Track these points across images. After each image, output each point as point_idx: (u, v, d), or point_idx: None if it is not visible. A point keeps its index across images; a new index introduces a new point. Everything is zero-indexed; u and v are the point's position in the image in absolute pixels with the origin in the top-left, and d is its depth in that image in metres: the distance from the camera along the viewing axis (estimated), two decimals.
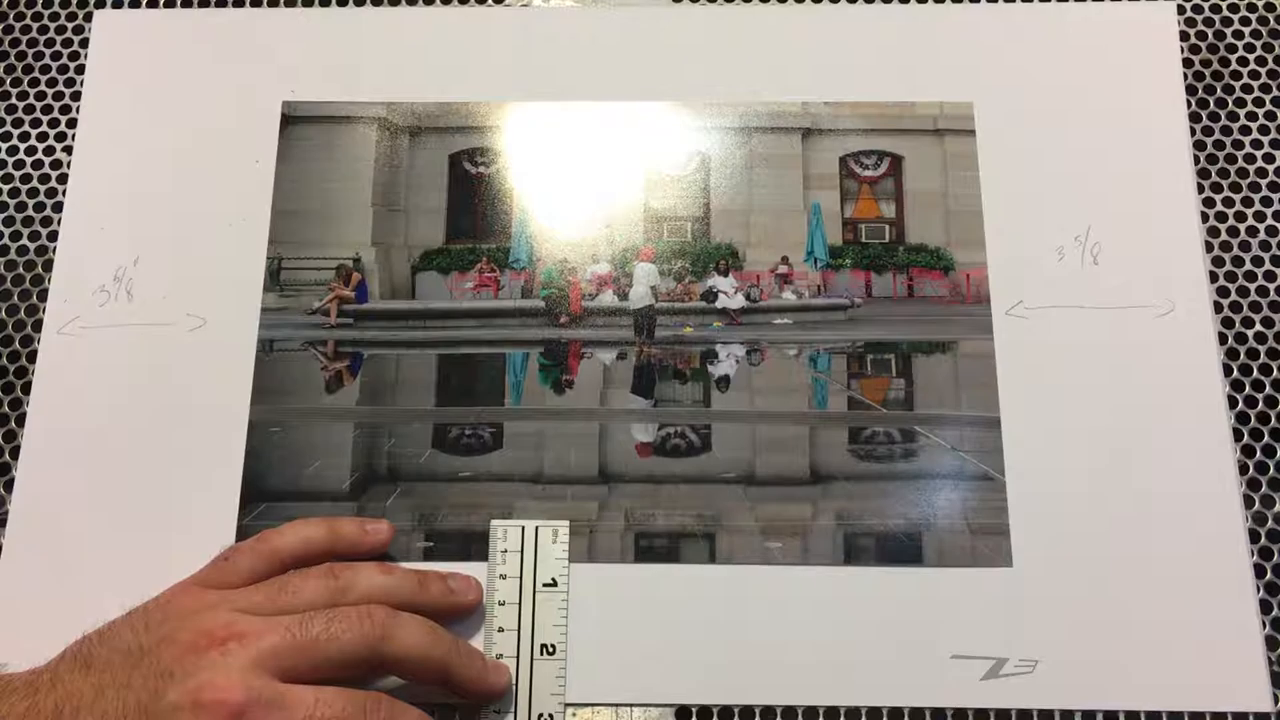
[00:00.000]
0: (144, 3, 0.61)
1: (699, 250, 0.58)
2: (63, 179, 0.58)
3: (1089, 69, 0.59)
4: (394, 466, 0.54)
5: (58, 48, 0.60)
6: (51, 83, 0.60)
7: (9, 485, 0.53)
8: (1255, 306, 0.56)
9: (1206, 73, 0.60)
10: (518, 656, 0.50)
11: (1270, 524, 0.53)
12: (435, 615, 0.47)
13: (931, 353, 0.56)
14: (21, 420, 0.54)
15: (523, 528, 0.52)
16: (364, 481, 0.54)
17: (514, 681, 0.49)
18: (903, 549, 0.52)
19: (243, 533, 0.52)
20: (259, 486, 0.53)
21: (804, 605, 0.51)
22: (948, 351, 0.56)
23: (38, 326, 0.56)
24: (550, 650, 0.50)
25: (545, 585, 0.51)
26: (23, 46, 0.60)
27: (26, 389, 0.55)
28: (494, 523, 0.52)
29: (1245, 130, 0.59)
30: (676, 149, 0.59)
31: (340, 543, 0.49)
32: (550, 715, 0.49)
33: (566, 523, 0.52)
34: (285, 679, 0.42)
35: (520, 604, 0.50)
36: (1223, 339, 0.55)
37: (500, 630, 0.50)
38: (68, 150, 0.59)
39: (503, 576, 0.51)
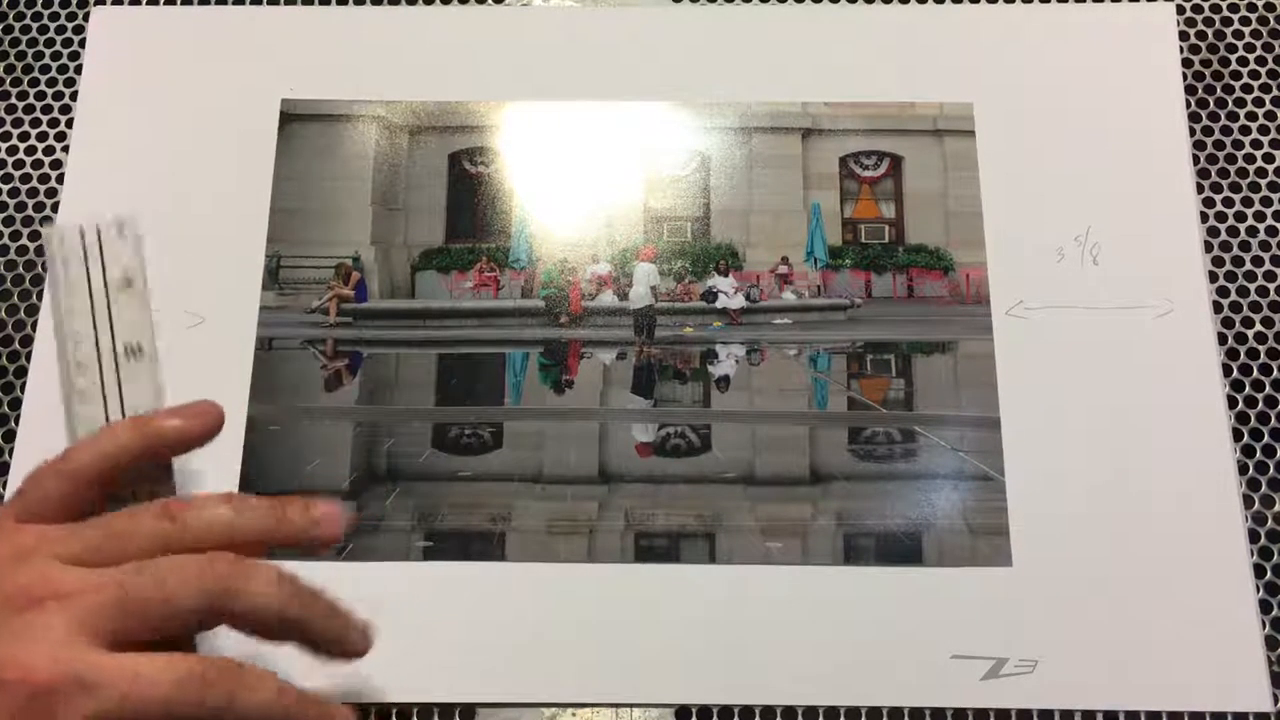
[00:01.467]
0: (142, 0, 0.61)
1: (699, 250, 0.58)
2: (61, 178, 0.58)
3: (1089, 69, 0.59)
4: (393, 466, 0.54)
5: (56, 46, 0.60)
6: (51, 81, 0.60)
7: (9, 485, 0.53)
8: (1255, 306, 0.56)
9: (1206, 73, 0.60)
10: (99, 364, 0.44)
11: (1270, 524, 0.53)
12: (294, 549, 0.41)
13: (931, 353, 0.56)
14: (21, 420, 0.54)
15: (80, 228, 0.45)
16: (363, 481, 0.53)
17: (102, 393, 0.44)
18: (902, 549, 0.52)
19: None
20: (258, 485, 0.53)
21: (804, 605, 0.51)
22: (947, 352, 0.56)
23: (37, 326, 0.56)
24: (137, 351, 0.44)
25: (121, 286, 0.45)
26: (21, 45, 0.60)
27: (26, 388, 0.55)
28: (46, 230, 0.45)
29: (1245, 130, 0.59)
30: (676, 149, 0.59)
31: (153, 444, 0.42)
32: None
33: (133, 216, 0.46)
34: (112, 643, 0.36)
35: (94, 309, 0.44)
36: (1222, 339, 0.55)
37: (79, 344, 0.44)
38: (66, 149, 0.58)
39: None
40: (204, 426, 0.43)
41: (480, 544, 0.52)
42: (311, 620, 0.39)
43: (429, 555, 0.52)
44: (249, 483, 0.53)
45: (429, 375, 0.56)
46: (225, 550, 0.39)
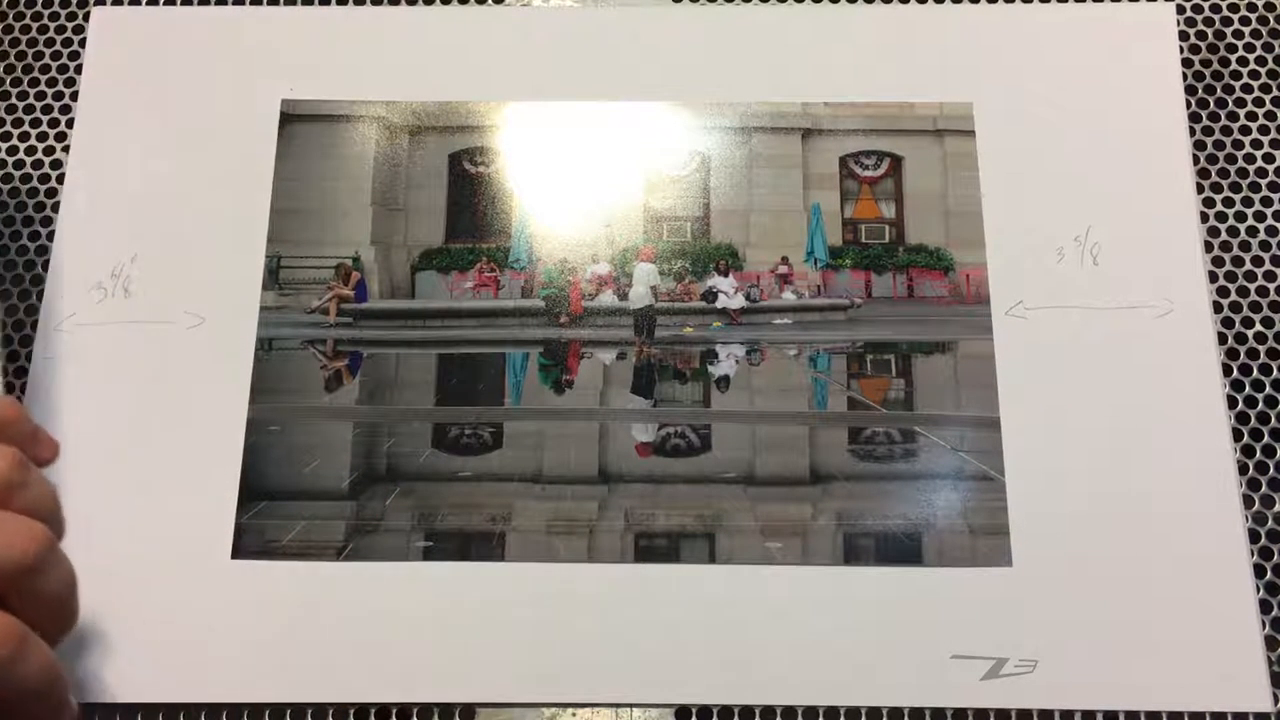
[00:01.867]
0: (143, 0, 0.61)
1: (699, 250, 0.58)
2: (61, 178, 0.58)
3: (1089, 69, 0.59)
4: (393, 466, 0.54)
5: (56, 46, 0.60)
6: (50, 81, 0.60)
7: None
8: (1255, 306, 0.56)
9: (1206, 73, 0.60)
10: None
11: (1270, 524, 0.53)
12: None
13: (931, 353, 0.56)
14: None
15: None
16: (363, 481, 0.53)
17: None
18: (902, 549, 0.52)
19: (241, 532, 0.52)
20: (258, 485, 0.53)
21: (804, 605, 0.51)
22: (947, 352, 0.56)
23: (36, 325, 0.56)
24: None
25: None
26: (21, 45, 0.60)
27: (25, 388, 0.55)
28: None
29: (1245, 130, 0.59)
30: (676, 149, 0.59)
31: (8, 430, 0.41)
32: None
33: None
34: None
35: None
36: (1222, 339, 0.55)
37: None
38: (66, 149, 0.58)
39: None
40: (44, 457, 0.42)
41: (480, 544, 0.52)
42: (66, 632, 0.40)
43: (429, 555, 0.52)
44: (249, 483, 0.53)
45: (429, 375, 0.56)
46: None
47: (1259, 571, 0.52)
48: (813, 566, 0.52)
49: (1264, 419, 0.54)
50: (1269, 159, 0.58)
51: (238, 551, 0.52)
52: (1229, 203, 0.58)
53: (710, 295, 0.58)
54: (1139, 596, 0.51)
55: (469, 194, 0.58)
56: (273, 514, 0.53)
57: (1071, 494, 0.52)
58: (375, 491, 0.53)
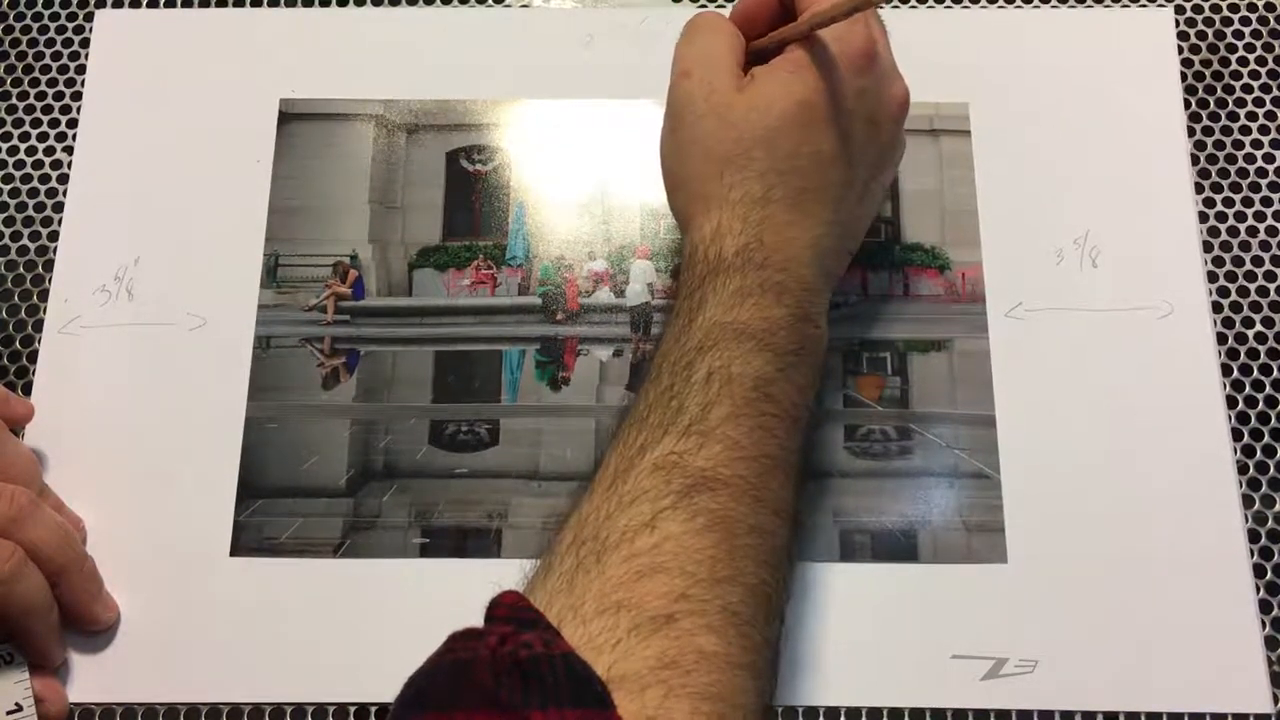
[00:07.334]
0: (144, 2, 0.61)
1: None
2: (63, 179, 0.58)
3: (1087, 70, 0.59)
4: (390, 463, 0.54)
5: (58, 48, 0.61)
6: (52, 83, 0.60)
7: None
8: (1255, 306, 0.56)
9: (1206, 73, 0.60)
10: None
11: (1270, 524, 0.52)
12: None
13: (927, 351, 0.56)
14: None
15: None
16: (360, 478, 0.53)
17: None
18: (898, 547, 0.52)
19: (239, 529, 0.52)
20: (255, 483, 0.53)
21: (802, 605, 0.51)
22: (944, 349, 0.55)
23: (38, 326, 0.56)
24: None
25: None
26: (23, 47, 0.61)
27: (27, 389, 0.55)
28: None
29: (1245, 130, 0.59)
30: None
31: None
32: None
33: None
34: None
35: None
36: (1222, 339, 0.55)
37: None
38: (68, 150, 0.59)
39: None
40: (18, 414, 0.52)
41: (477, 541, 0.52)
42: (72, 574, 0.47)
43: (425, 552, 0.52)
44: (247, 480, 0.53)
45: (426, 372, 0.56)
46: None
47: (1259, 571, 0.51)
48: (810, 564, 0.51)
49: (1264, 419, 0.54)
50: (1269, 159, 0.58)
51: (236, 549, 0.52)
52: (1229, 203, 0.57)
53: None
54: (1139, 597, 0.51)
55: (466, 192, 0.59)
56: (270, 511, 0.53)
57: (1070, 494, 0.52)
58: (372, 488, 0.53)
